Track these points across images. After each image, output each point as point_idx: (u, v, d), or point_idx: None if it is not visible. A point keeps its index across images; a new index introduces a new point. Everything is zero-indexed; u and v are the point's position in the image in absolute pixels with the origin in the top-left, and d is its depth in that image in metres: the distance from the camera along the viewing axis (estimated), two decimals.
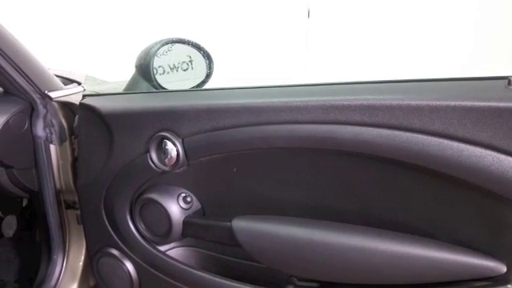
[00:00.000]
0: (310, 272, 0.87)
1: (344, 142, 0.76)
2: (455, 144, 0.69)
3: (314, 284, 0.89)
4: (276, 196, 0.90)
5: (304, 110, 0.80)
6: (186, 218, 0.99)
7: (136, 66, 1.13)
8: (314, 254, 0.83)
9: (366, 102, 0.74)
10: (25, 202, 1.56)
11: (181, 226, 0.99)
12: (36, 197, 1.30)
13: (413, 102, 0.71)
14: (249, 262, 0.97)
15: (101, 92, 1.16)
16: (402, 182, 0.77)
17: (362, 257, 0.78)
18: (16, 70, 1.10)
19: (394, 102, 0.72)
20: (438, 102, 0.69)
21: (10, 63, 1.08)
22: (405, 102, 0.72)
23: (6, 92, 1.16)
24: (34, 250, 1.54)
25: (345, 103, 0.76)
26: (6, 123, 1.13)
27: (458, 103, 0.68)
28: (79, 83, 1.32)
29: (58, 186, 1.24)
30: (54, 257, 1.30)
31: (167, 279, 1.04)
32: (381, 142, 0.73)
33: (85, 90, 1.28)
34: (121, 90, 1.18)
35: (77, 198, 1.20)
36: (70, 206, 1.28)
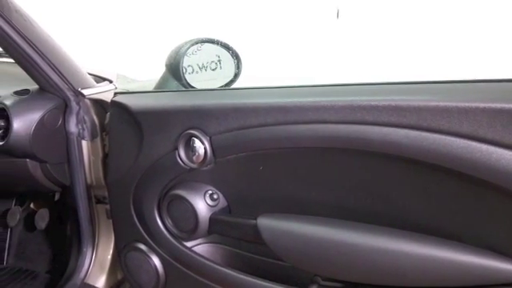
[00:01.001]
0: (335, 272, 0.87)
1: (371, 142, 0.76)
2: (484, 146, 0.68)
3: (338, 284, 0.89)
4: (301, 195, 0.91)
5: (331, 110, 0.80)
6: (212, 214, 1.00)
7: (166, 65, 1.15)
8: (338, 254, 0.83)
9: (393, 103, 0.74)
10: (57, 196, 1.61)
11: (207, 222, 1.00)
12: (68, 191, 1.34)
13: (441, 104, 0.71)
14: (273, 260, 0.97)
15: (131, 90, 1.19)
16: (428, 184, 0.77)
17: (387, 258, 0.78)
18: (52, 68, 1.14)
19: (422, 103, 0.72)
20: (466, 104, 0.69)
21: (46, 62, 1.12)
22: (433, 104, 0.71)
23: (42, 89, 1.20)
24: (65, 242, 1.58)
25: (372, 104, 0.76)
26: (42, 119, 1.17)
27: (487, 105, 0.67)
28: (111, 81, 1.35)
29: (88, 181, 1.27)
30: (84, 249, 1.33)
31: (192, 275, 1.06)
32: (408, 143, 0.73)
33: (116, 87, 1.31)
34: (151, 89, 1.21)
35: (107, 193, 1.23)
36: (100, 201, 1.31)
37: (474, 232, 0.75)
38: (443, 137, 0.70)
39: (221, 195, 1.02)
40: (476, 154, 0.68)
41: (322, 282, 0.90)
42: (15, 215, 1.59)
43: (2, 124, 1.15)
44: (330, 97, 0.82)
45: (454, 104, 0.70)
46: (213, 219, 1.00)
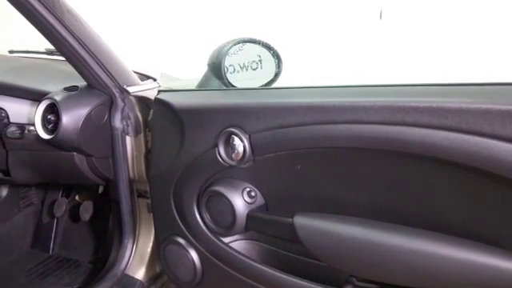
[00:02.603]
0: (370, 273, 0.87)
1: (410, 144, 0.75)
2: None
3: (373, 286, 0.88)
4: (338, 195, 0.91)
5: (371, 111, 0.80)
6: (249, 211, 1.02)
7: (208, 64, 1.17)
8: (374, 255, 0.83)
9: (434, 105, 0.73)
10: (100, 190, 1.67)
11: (244, 219, 1.02)
12: (111, 185, 1.38)
13: (483, 106, 0.69)
14: (309, 258, 0.97)
15: (174, 88, 1.21)
16: (467, 187, 0.76)
17: (423, 261, 0.77)
18: (99, 66, 1.18)
19: (464, 105, 0.71)
20: (509, 107, 0.67)
21: (95, 60, 1.17)
22: (475, 106, 0.70)
23: (90, 86, 1.25)
24: (107, 234, 1.64)
25: (413, 105, 0.75)
26: (89, 115, 1.21)
27: None
28: (155, 79, 1.39)
29: (131, 175, 1.31)
30: (125, 241, 1.37)
31: (229, 270, 1.07)
32: (448, 145, 0.72)
33: (160, 85, 1.35)
34: (193, 87, 1.23)
35: (148, 188, 1.26)
36: (141, 195, 1.35)
37: None
38: (484, 139, 0.69)
39: (258, 193, 1.03)
40: None
41: (357, 283, 0.90)
42: (61, 206, 1.66)
43: (52, 118, 1.20)
44: (370, 97, 0.82)
45: (496, 107, 0.68)
46: (250, 216, 1.01)
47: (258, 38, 1.16)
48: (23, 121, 1.29)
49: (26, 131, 1.27)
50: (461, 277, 0.74)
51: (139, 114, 1.28)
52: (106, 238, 1.65)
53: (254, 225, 1.02)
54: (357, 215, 0.88)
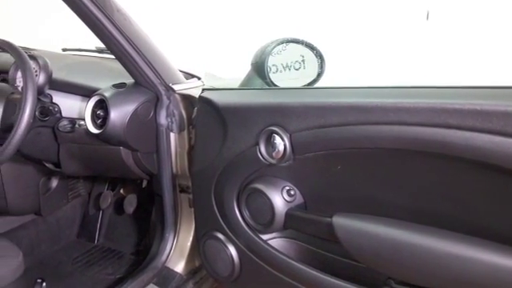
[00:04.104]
0: (408, 276, 0.86)
1: (453, 146, 0.74)
2: None
3: None
4: (378, 196, 0.90)
5: (413, 112, 0.79)
6: (288, 210, 1.02)
7: (252, 64, 1.19)
8: (413, 258, 0.82)
9: (478, 107, 0.72)
10: (144, 184, 1.72)
11: (283, 217, 1.02)
12: (155, 179, 1.42)
13: None
14: (346, 259, 0.97)
15: (218, 87, 1.24)
16: None
17: (463, 266, 0.75)
18: (147, 64, 1.22)
19: (510, 109, 0.69)
20: None
21: (142, 58, 1.20)
22: None
23: (137, 83, 1.28)
24: (149, 227, 1.69)
25: (456, 107, 0.74)
26: (135, 111, 1.25)
27: None
28: (199, 78, 1.42)
29: (174, 170, 1.35)
30: (166, 235, 1.41)
31: (266, 267, 1.09)
32: (493, 148, 0.70)
33: (204, 84, 1.37)
34: (236, 86, 1.25)
35: (190, 183, 1.29)
36: (183, 190, 1.38)
37: None
38: None
39: (298, 192, 1.04)
40: None
41: (395, 285, 0.89)
42: (107, 198, 1.72)
43: (101, 114, 1.24)
44: (412, 98, 0.81)
45: None
46: (289, 214, 1.02)
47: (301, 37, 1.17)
48: (74, 115, 1.34)
49: (77, 125, 1.32)
50: (501, 284, 0.73)
51: (183, 112, 1.31)
52: (149, 230, 1.70)
53: (292, 223, 1.03)
54: (396, 217, 0.87)
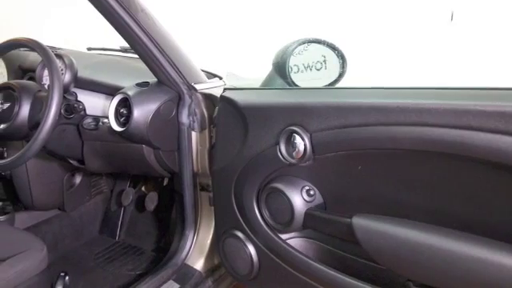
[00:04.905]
0: (428, 278, 0.85)
1: (475, 148, 0.73)
2: None
3: None
4: (398, 198, 0.90)
5: (435, 113, 0.78)
6: (307, 209, 1.03)
7: (273, 64, 1.19)
8: (433, 260, 0.81)
9: (501, 109, 0.71)
10: (165, 182, 1.74)
11: (302, 217, 1.03)
12: (176, 177, 1.44)
13: None
14: (365, 260, 0.97)
15: (239, 86, 1.24)
16: None
17: (484, 270, 0.74)
18: (170, 63, 1.24)
19: None
20: None
21: (165, 58, 1.22)
22: None
23: (160, 82, 1.30)
24: (169, 224, 1.71)
25: (479, 108, 0.73)
26: (158, 110, 1.27)
27: None
28: (221, 78, 1.44)
29: (195, 169, 1.36)
30: (186, 232, 1.42)
31: (285, 266, 1.09)
32: None
33: (225, 84, 1.38)
34: (257, 86, 1.26)
35: (210, 182, 1.30)
36: (203, 188, 1.39)
37: None
38: None
39: (317, 192, 1.04)
40: None
41: None
42: (129, 195, 1.75)
43: (125, 112, 1.26)
44: (434, 99, 0.80)
45: None
46: (308, 214, 1.02)
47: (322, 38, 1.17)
48: (98, 113, 1.36)
49: (101, 123, 1.34)
50: None
51: (205, 111, 1.32)
52: (169, 228, 1.72)
53: (311, 223, 1.03)
54: (416, 219, 0.87)
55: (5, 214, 1.61)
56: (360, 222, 0.92)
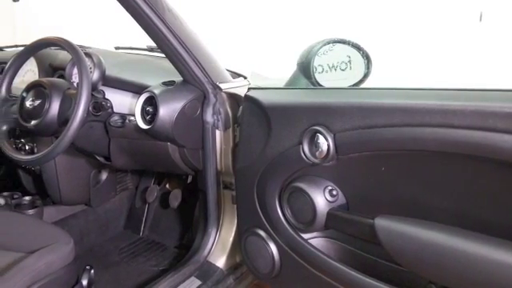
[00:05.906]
0: (450, 281, 0.84)
1: (501, 150, 0.72)
2: None
3: None
4: (421, 199, 0.89)
5: (460, 115, 0.77)
6: (330, 210, 1.03)
7: (298, 64, 1.19)
8: (455, 263, 0.80)
9: None
10: (189, 179, 1.76)
11: (324, 217, 1.03)
12: (199, 175, 1.45)
13: None
14: (387, 262, 0.97)
15: (263, 86, 1.25)
16: None
17: (508, 274, 0.74)
18: (195, 63, 1.25)
19: None
20: None
21: (191, 57, 1.23)
22: None
23: (185, 81, 1.32)
24: (193, 221, 1.73)
25: (506, 110, 0.72)
26: (183, 108, 1.28)
27: None
28: (245, 77, 1.44)
29: (218, 167, 1.37)
30: (209, 230, 1.44)
31: (306, 266, 1.09)
32: None
33: (250, 83, 1.39)
34: (282, 86, 1.26)
35: (234, 180, 1.31)
36: (227, 187, 1.40)
37: None
38: None
39: (340, 192, 1.04)
40: None
41: None
42: (153, 192, 1.78)
43: (151, 110, 1.28)
44: (460, 101, 0.80)
45: None
46: (330, 214, 1.03)
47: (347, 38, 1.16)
48: (125, 111, 1.38)
49: (127, 121, 1.36)
50: None
51: (229, 110, 1.33)
52: (192, 225, 1.74)
53: (333, 223, 1.03)
54: (440, 221, 0.86)
55: (34, 207, 1.65)
56: (382, 223, 0.91)
